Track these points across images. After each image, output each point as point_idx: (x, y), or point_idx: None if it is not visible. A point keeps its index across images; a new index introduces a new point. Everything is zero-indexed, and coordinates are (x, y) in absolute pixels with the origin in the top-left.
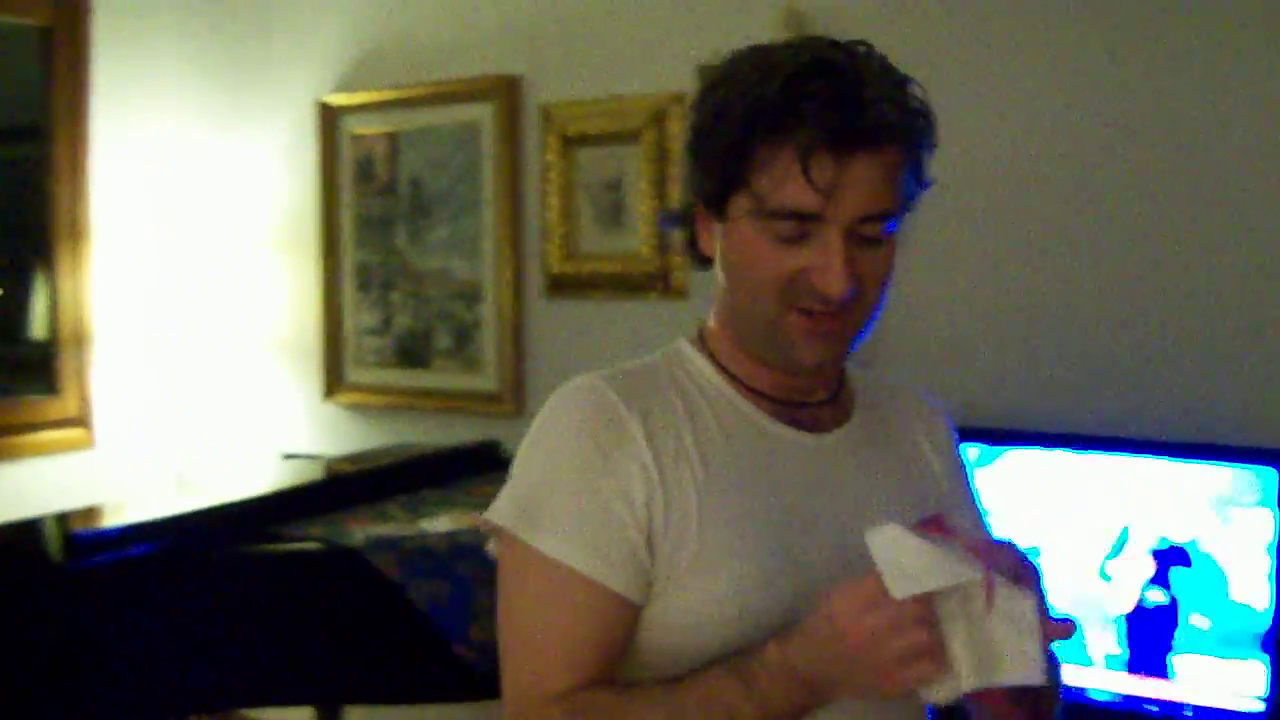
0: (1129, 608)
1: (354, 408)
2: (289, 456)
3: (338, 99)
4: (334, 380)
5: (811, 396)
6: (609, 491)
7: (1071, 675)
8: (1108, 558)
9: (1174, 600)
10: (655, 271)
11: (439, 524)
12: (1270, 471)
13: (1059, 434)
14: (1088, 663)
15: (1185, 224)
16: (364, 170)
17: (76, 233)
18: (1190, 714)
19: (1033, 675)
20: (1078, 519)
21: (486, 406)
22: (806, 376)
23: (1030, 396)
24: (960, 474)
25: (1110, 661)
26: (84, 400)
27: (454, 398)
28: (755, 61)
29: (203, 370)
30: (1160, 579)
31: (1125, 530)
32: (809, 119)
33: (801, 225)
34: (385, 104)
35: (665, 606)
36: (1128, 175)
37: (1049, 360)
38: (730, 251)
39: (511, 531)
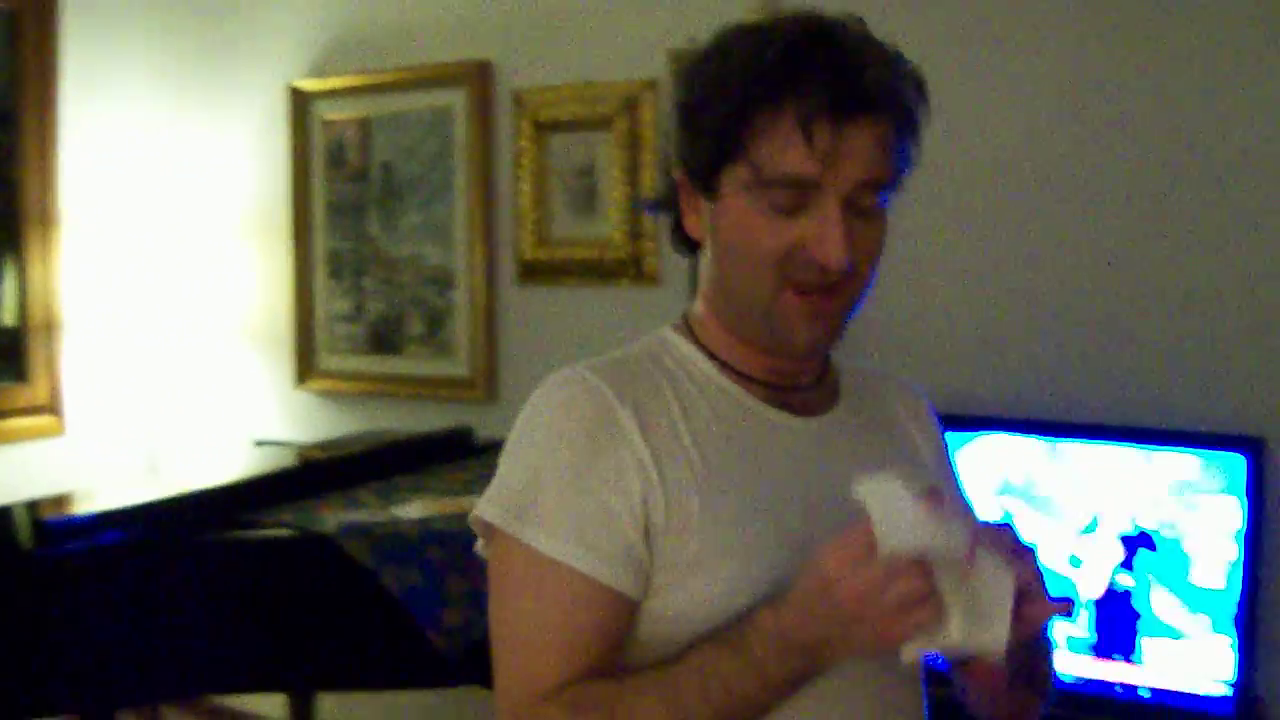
0: (1099, 593)
1: (326, 394)
2: (261, 443)
3: (309, 84)
4: (306, 367)
5: (799, 380)
6: (603, 486)
7: None
8: (1078, 540)
9: (1142, 585)
10: (627, 258)
11: (411, 510)
12: (1238, 458)
13: (1029, 420)
14: (1054, 646)
15: (1155, 215)
16: (335, 156)
17: (46, 219)
18: (1148, 695)
19: (998, 649)
20: (1047, 505)
21: (459, 393)
22: (799, 359)
23: (1001, 383)
24: (945, 459)
25: (1078, 645)
26: (54, 387)
27: (426, 384)
28: (749, 33)
29: (174, 357)
30: (1129, 564)
31: (1095, 517)
32: (809, 85)
33: (799, 195)
34: (357, 89)
35: (669, 600)
36: (1100, 168)
37: (1020, 348)
38: (723, 228)
39: (503, 529)
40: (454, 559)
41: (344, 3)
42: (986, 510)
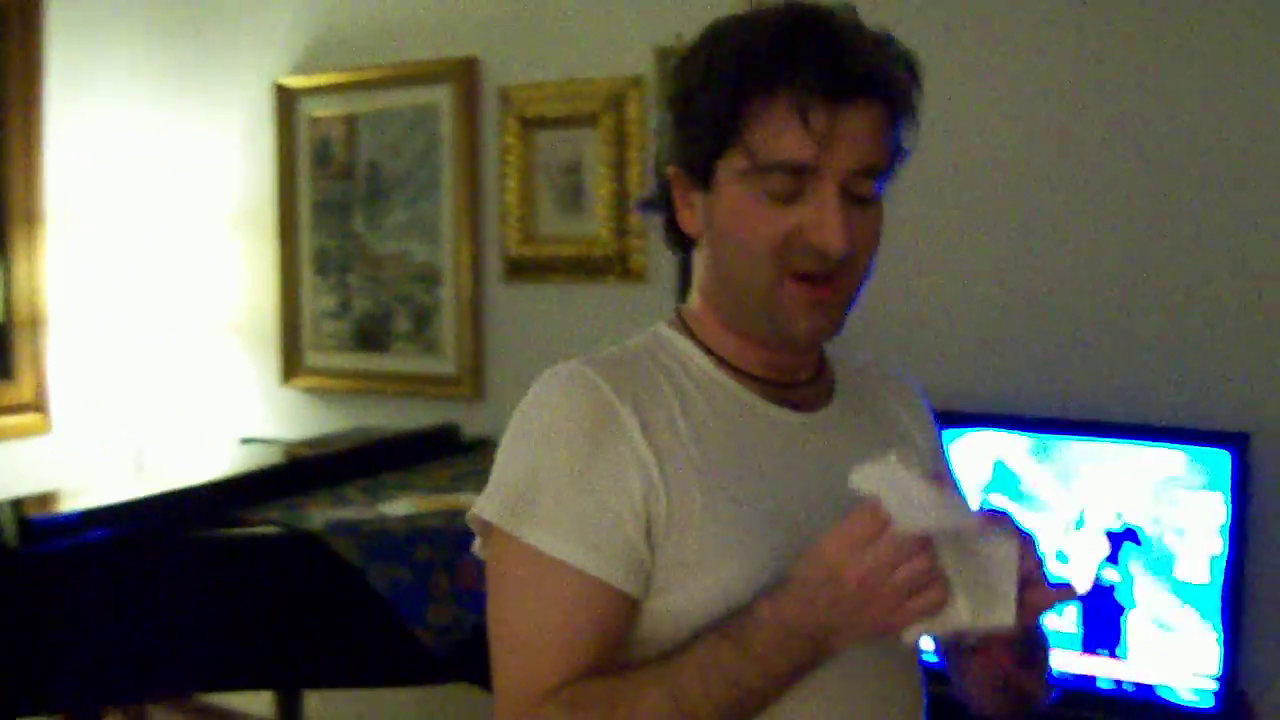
0: (1086, 588)
1: (312, 392)
2: (247, 441)
3: (295, 81)
4: (292, 364)
5: (797, 376)
6: (604, 484)
7: None
8: (1065, 536)
9: (1128, 580)
10: (614, 255)
11: (398, 507)
12: (1223, 454)
13: (1017, 417)
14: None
15: (1141, 214)
16: (321, 153)
17: (31, 216)
18: (1134, 689)
19: (1008, 621)
20: (1035, 501)
21: (445, 390)
22: (799, 351)
23: (989, 380)
24: (941, 452)
25: (1064, 640)
26: (40, 385)
27: (413, 381)
28: (739, 23)
29: (160, 355)
30: (1115, 559)
31: (1082, 513)
32: (803, 68)
33: (796, 180)
34: (343, 86)
35: (670, 599)
36: (1089, 168)
37: (1007, 345)
38: (720, 219)
39: (502, 528)
40: (441, 556)
41: (330, 1)
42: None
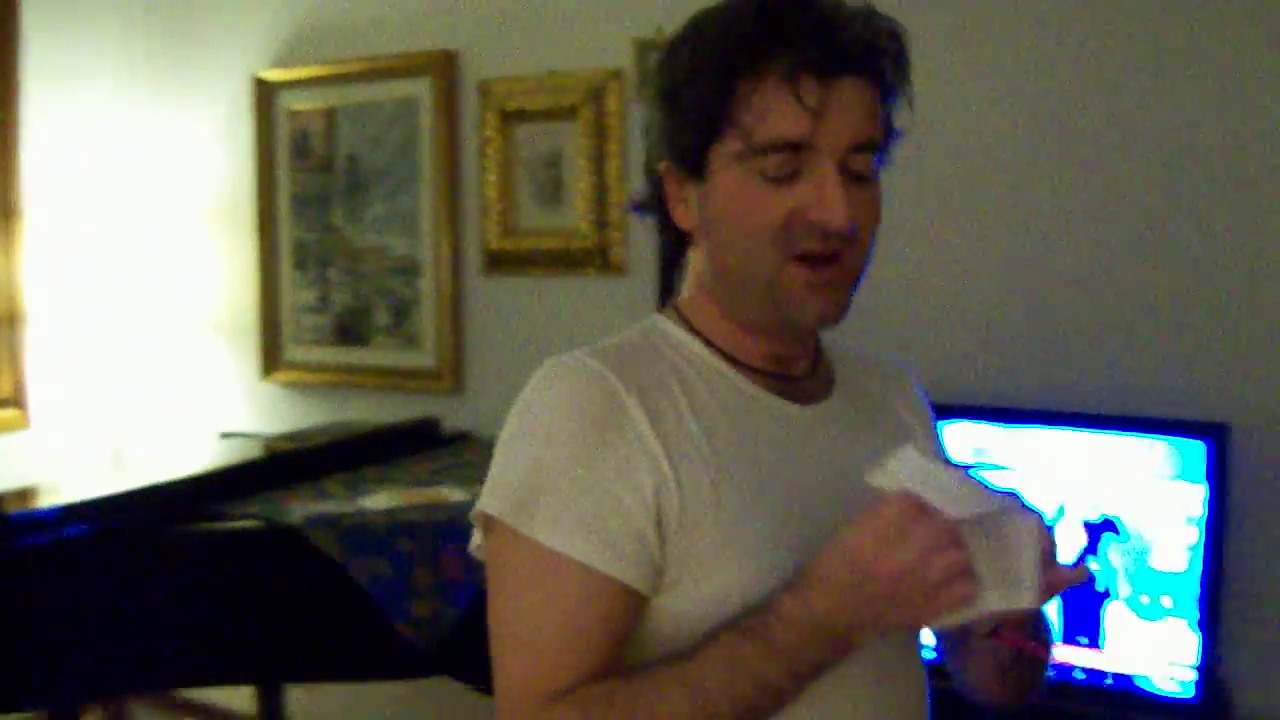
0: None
1: (292, 386)
2: (227, 436)
3: (274, 74)
4: (272, 358)
5: (796, 368)
6: (613, 478)
7: None
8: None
9: (1107, 571)
10: (594, 247)
11: (378, 501)
12: (1201, 445)
13: (995, 408)
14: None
15: (1121, 208)
16: (300, 146)
17: (8, 210)
18: (1113, 680)
19: (1036, 602)
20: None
21: (425, 383)
22: (805, 337)
23: (966, 372)
24: (938, 442)
25: None
26: (18, 380)
27: (392, 375)
28: (722, 9)
29: (139, 349)
30: (1093, 550)
31: (1061, 504)
32: (790, 43)
33: (792, 159)
34: (322, 79)
35: (682, 596)
36: (1070, 164)
37: (984, 336)
38: (716, 207)
39: (508, 523)
40: (422, 550)
41: None
42: None
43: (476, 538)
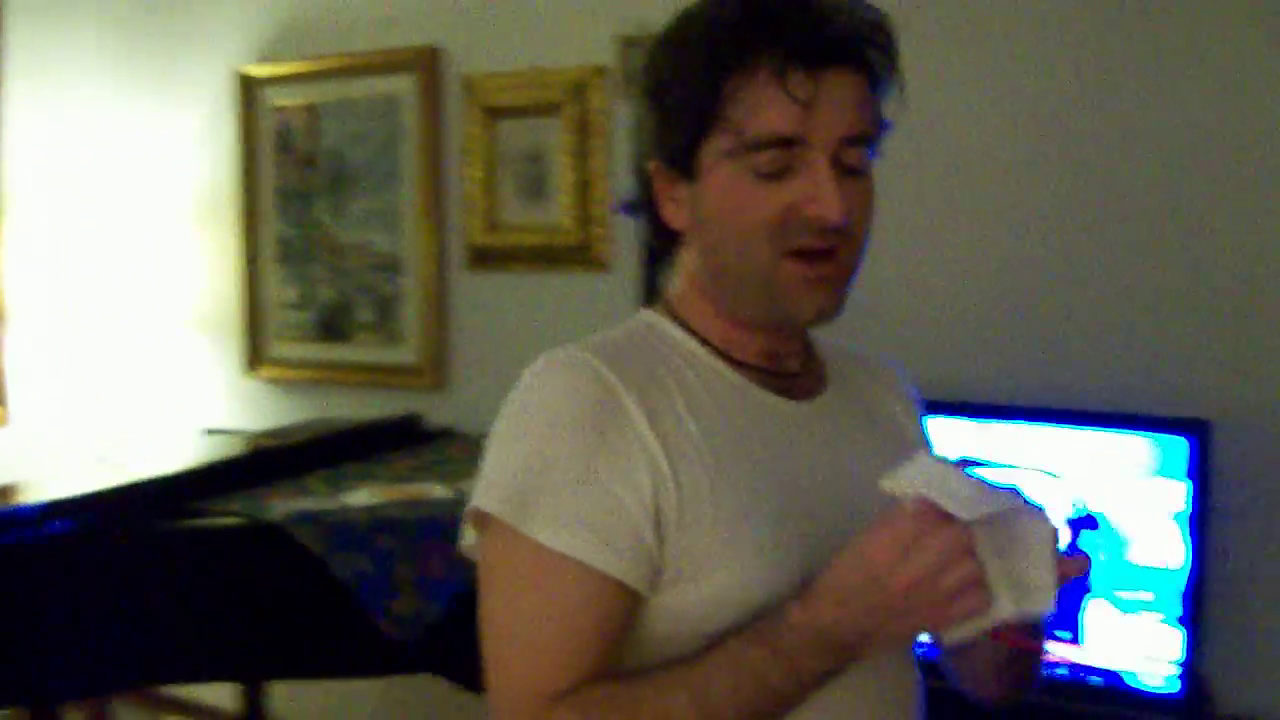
0: None
1: (275, 382)
2: (210, 432)
3: (258, 70)
4: (255, 355)
5: (789, 364)
6: (612, 476)
7: None
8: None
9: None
10: (577, 244)
11: (360, 497)
12: (1183, 441)
13: (976, 404)
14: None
15: (1105, 205)
16: (284, 142)
17: None
18: (1096, 676)
19: (1050, 605)
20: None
21: (408, 380)
22: (799, 332)
23: (947, 368)
24: (928, 441)
25: None
26: None
27: (375, 371)
28: (708, 4)
29: (121, 345)
30: (1075, 546)
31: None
32: (777, 37)
33: (785, 155)
34: (305, 75)
35: (679, 595)
36: (1053, 161)
37: (965, 332)
38: (709, 205)
39: (506, 521)
40: (404, 547)
41: None
42: None
43: (468, 536)
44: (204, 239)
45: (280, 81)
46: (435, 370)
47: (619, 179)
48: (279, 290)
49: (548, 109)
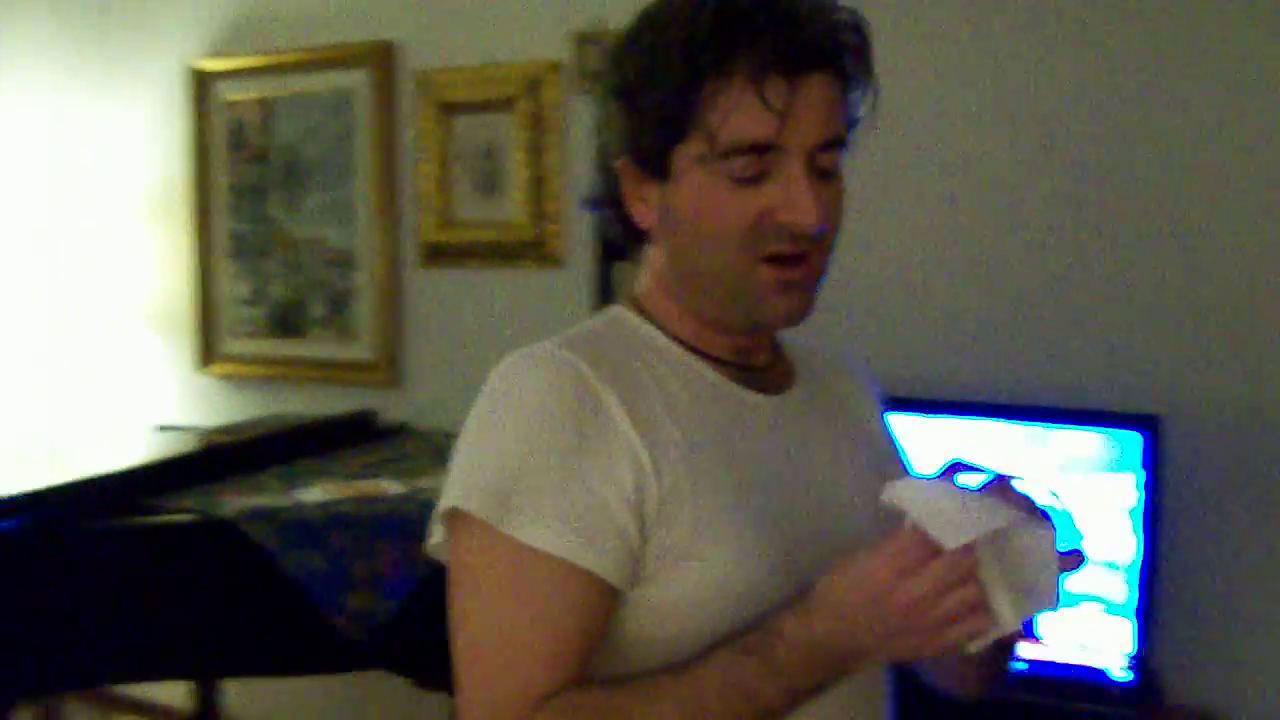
0: None
1: (228, 378)
2: (162, 429)
3: (210, 64)
4: (207, 351)
5: (756, 359)
6: (593, 473)
7: None
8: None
9: None
10: (531, 239)
11: (314, 494)
12: (1136, 436)
13: (930, 401)
14: None
15: (1058, 202)
16: (237, 137)
17: None
18: (1049, 669)
19: (1055, 602)
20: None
21: (362, 376)
22: (771, 332)
23: (900, 364)
24: (892, 439)
25: None
26: None
27: (329, 367)
28: (680, 4)
29: (73, 341)
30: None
31: None
32: (754, 42)
33: (760, 160)
34: (258, 70)
35: (658, 589)
36: (1013, 162)
37: (919, 329)
38: (681, 208)
39: (485, 520)
40: (357, 543)
41: None
42: None
43: (437, 535)
44: (156, 234)
45: (233, 76)
46: (389, 366)
47: (574, 175)
48: (232, 286)
49: (502, 104)
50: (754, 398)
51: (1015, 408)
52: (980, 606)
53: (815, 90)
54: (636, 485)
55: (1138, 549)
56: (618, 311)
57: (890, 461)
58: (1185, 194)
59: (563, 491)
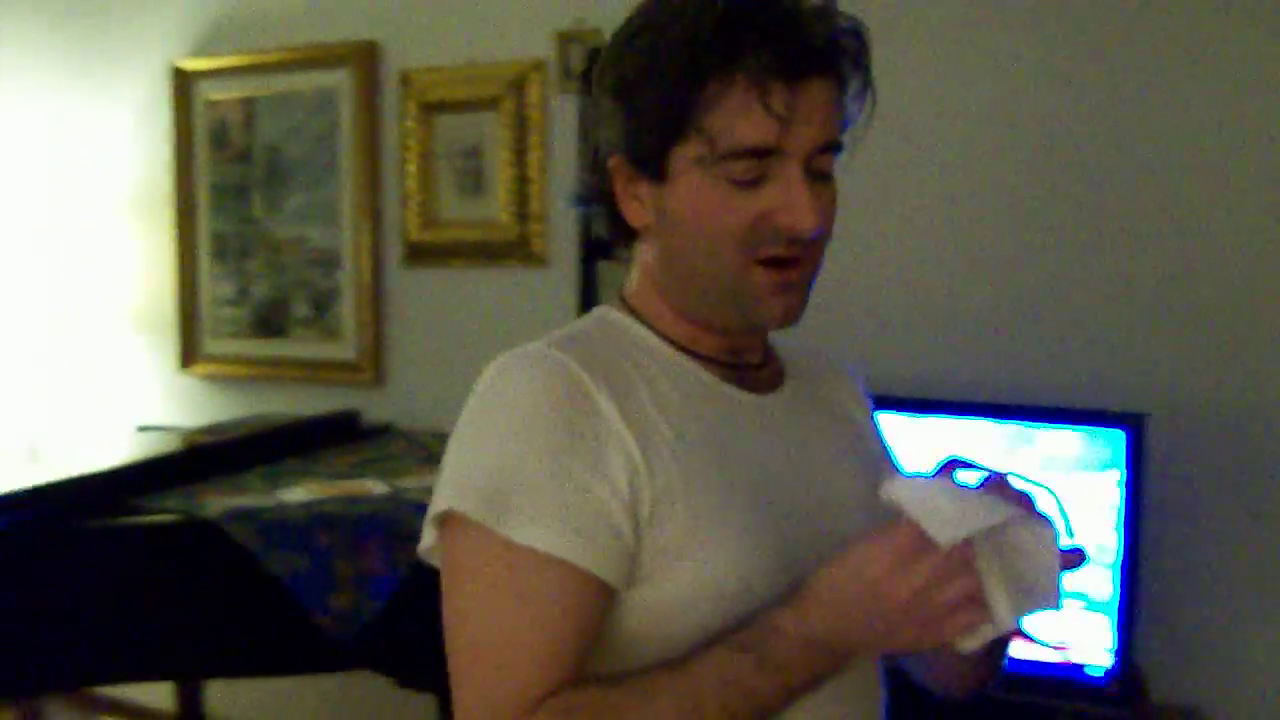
0: None
1: (211, 379)
2: (145, 429)
3: (192, 64)
4: (190, 351)
5: (748, 359)
6: (587, 473)
7: None
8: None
9: None
10: (515, 239)
11: (297, 494)
12: (1119, 434)
13: (913, 399)
14: None
15: (1041, 201)
16: (219, 137)
17: None
18: (1031, 666)
19: (1056, 601)
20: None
21: (345, 376)
22: (766, 333)
23: (884, 363)
24: (881, 439)
25: None
26: None
27: (312, 367)
28: (681, 6)
29: (55, 341)
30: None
31: None
32: (758, 47)
33: (759, 164)
34: (241, 69)
35: (653, 589)
36: (991, 163)
37: (904, 328)
38: (677, 209)
39: (478, 522)
40: (341, 543)
41: None
42: None
43: (428, 538)
44: (138, 234)
45: (216, 75)
46: (373, 366)
47: (558, 174)
48: (214, 286)
49: (485, 104)
50: (745, 397)
51: (998, 406)
52: (975, 599)
53: (816, 95)
54: (630, 485)
55: (1120, 546)
56: (607, 311)
57: (881, 461)
58: (1168, 196)
59: (557, 491)
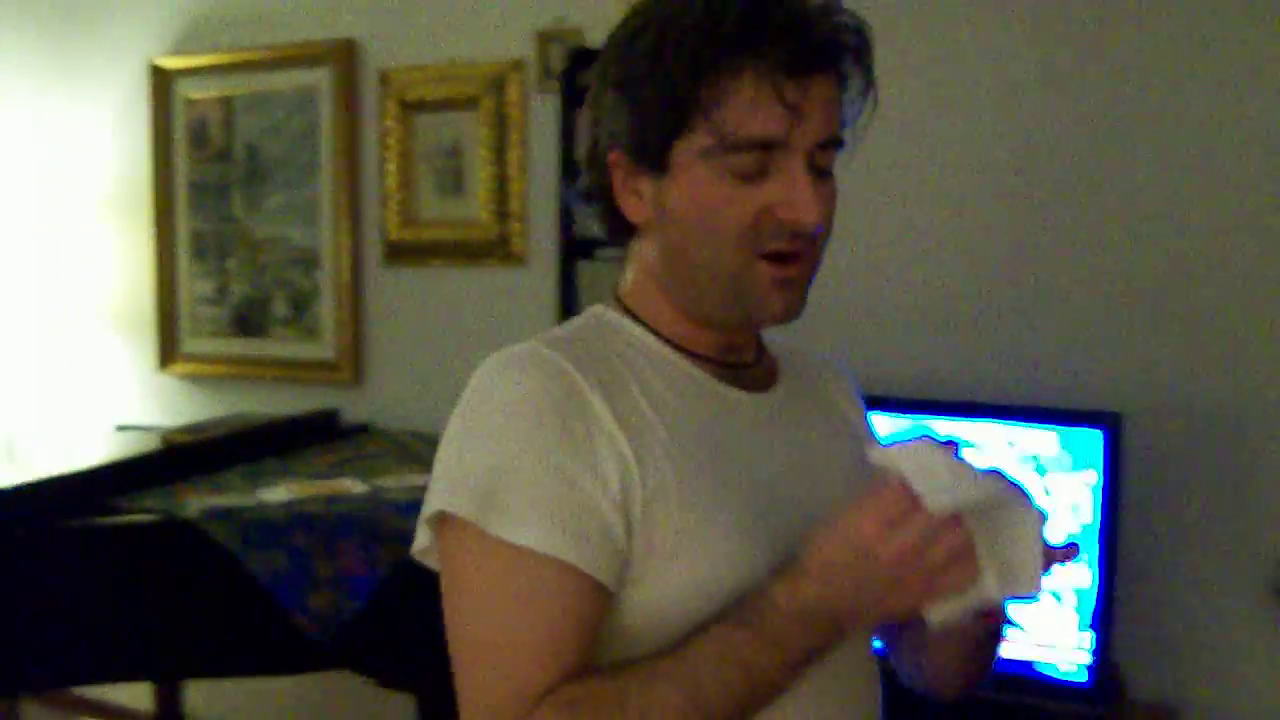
0: None
1: (190, 378)
2: (123, 428)
3: (171, 62)
4: (169, 350)
5: (741, 357)
6: (578, 471)
7: None
8: None
9: None
10: (494, 238)
11: (277, 494)
12: (1096, 434)
13: (891, 398)
14: None
15: (1018, 203)
16: (198, 135)
17: None
18: (1009, 666)
19: (1036, 591)
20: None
21: (325, 375)
22: (763, 329)
23: (861, 362)
24: (874, 434)
25: None
26: None
27: (291, 367)
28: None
29: (33, 341)
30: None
31: None
32: (769, 43)
33: (763, 157)
34: (220, 68)
35: (647, 588)
36: (969, 161)
37: (882, 327)
38: (679, 203)
39: (474, 522)
40: (320, 543)
41: None
42: None
43: (423, 539)
44: (117, 233)
45: (194, 74)
46: (352, 365)
47: (537, 174)
48: (193, 285)
49: (465, 103)
50: (738, 395)
51: (976, 405)
52: (968, 554)
53: (821, 90)
54: (622, 484)
55: (1098, 546)
56: (601, 310)
57: None
58: (1149, 200)
59: (550, 491)
